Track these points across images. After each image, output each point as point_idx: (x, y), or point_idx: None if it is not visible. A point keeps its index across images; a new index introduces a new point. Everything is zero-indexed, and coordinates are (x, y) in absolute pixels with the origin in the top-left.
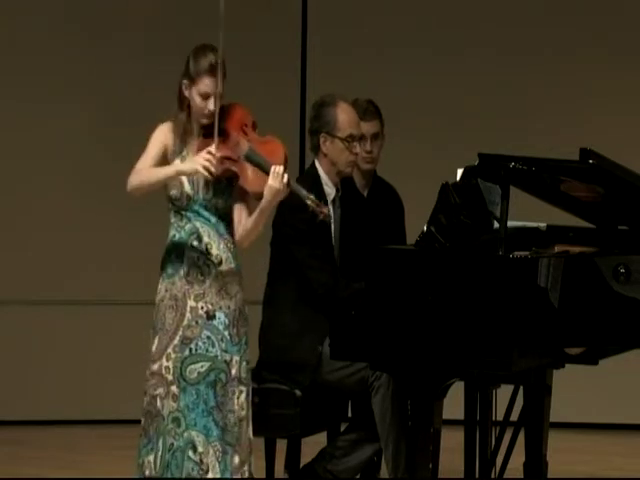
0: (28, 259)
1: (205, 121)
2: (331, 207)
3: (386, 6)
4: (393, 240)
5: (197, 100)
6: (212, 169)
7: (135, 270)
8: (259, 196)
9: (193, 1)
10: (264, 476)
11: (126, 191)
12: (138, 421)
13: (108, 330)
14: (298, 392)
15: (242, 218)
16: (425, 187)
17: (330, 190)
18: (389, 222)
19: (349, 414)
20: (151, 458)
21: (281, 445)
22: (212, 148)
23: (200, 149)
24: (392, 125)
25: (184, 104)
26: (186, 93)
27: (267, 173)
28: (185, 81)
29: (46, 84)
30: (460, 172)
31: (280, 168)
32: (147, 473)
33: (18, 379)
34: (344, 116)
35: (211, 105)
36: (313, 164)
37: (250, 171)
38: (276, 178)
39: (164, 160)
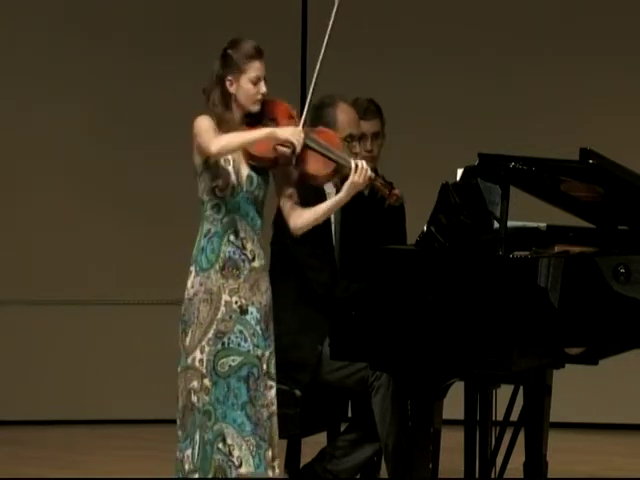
0: (28, 259)
1: (256, 108)
2: None
3: (386, 6)
4: (394, 240)
5: (248, 87)
6: (298, 150)
7: (135, 270)
8: (318, 180)
9: (193, 1)
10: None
11: (127, 192)
12: (138, 421)
13: (108, 330)
14: (298, 392)
15: (292, 204)
16: (425, 187)
17: (330, 190)
18: (390, 222)
19: (349, 414)
20: (189, 452)
21: (281, 445)
22: (300, 128)
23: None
24: (392, 125)
25: (230, 102)
26: (232, 89)
27: (327, 157)
28: (230, 77)
29: (46, 84)
30: (460, 172)
31: (363, 163)
32: (187, 467)
33: (18, 379)
34: (344, 116)
35: (263, 88)
36: None
37: (310, 156)
38: (360, 174)
39: None
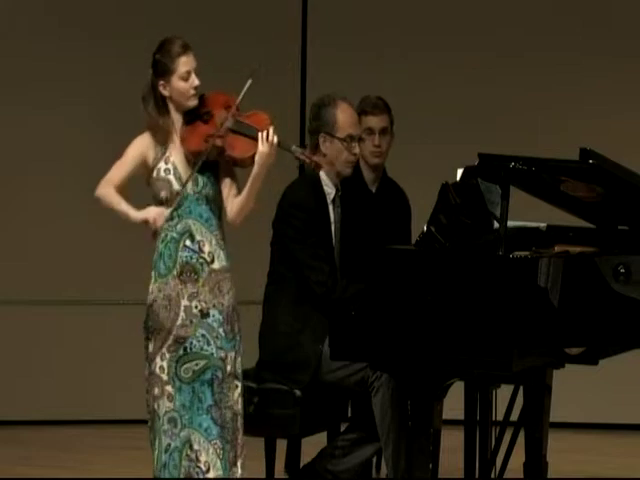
0: (28, 259)
1: (193, 103)
2: (331, 207)
3: (386, 6)
4: (398, 240)
5: (180, 85)
6: (158, 224)
7: (135, 270)
8: (248, 162)
9: (193, 2)
10: (264, 476)
11: (126, 192)
12: (138, 421)
13: (108, 330)
14: (298, 392)
15: (232, 194)
16: (425, 187)
17: (330, 190)
18: (395, 221)
19: (349, 414)
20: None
21: (281, 445)
22: (167, 212)
23: (184, 140)
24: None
25: (166, 106)
26: (166, 92)
27: (253, 138)
28: (161, 81)
29: (44, 84)
30: (460, 172)
31: (265, 133)
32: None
33: (18, 379)
34: (343, 116)
35: (195, 81)
36: None
37: (236, 140)
38: (264, 142)
39: (140, 170)
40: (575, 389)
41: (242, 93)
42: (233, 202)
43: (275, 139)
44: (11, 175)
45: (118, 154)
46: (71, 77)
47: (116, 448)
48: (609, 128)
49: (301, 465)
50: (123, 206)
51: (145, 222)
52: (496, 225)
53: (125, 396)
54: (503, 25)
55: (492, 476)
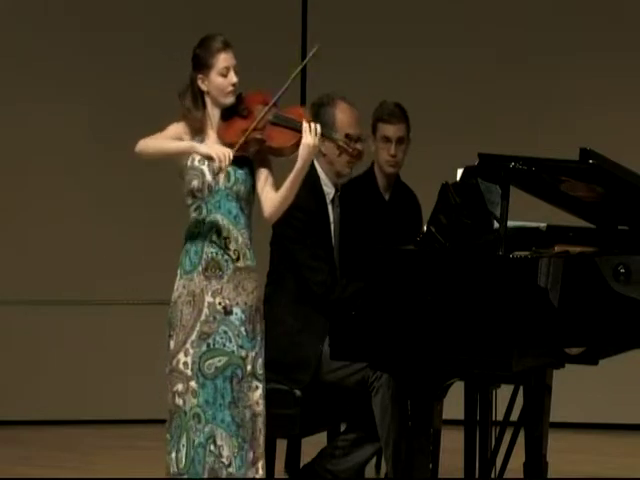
0: (29, 259)
1: (230, 100)
2: (330, 207)
3: (386, 6)
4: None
5: (219, 81)
6: (224, 164)
7: (135, 270)
8: (287, 152)
9: (193, 2)
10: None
11: (126, 192)
12: (139, 421)
13: (108, 330)
14: (298, 392)
15: (267, 186)
16: (425, 187)
17: (329, 190)
18: (407, 228)
19: (349, 414)
20: (173, 455)
21: (281, 445)
22: (232, 152)
23: (221, 134)
24: None
25: (199, 101)
26: (204, 86)
27: (294, 129)
28: (200, 75)
29: (45, 83)
30: (460, 172)
31: (309, 125)
32: (171, 470)
33: (18, 379)
34: (342, 116)
35: (233, 78)
36: (312, 164)
37: (275, 132)
38: (309, 134)
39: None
40: (575, 389)
41: (284, 87)
42: (271, 198)
43: (319, 129)
44: (11, 175)
45: (118, 154)
46: (71, 77)
47: (116, 448)
48: (609, 128)
49: (301, 465)
50: (181, 143)
51: (209, 158)
52: (496, 225)
53: (125, 396)
54: (504, 25)
55: (492, 476)
